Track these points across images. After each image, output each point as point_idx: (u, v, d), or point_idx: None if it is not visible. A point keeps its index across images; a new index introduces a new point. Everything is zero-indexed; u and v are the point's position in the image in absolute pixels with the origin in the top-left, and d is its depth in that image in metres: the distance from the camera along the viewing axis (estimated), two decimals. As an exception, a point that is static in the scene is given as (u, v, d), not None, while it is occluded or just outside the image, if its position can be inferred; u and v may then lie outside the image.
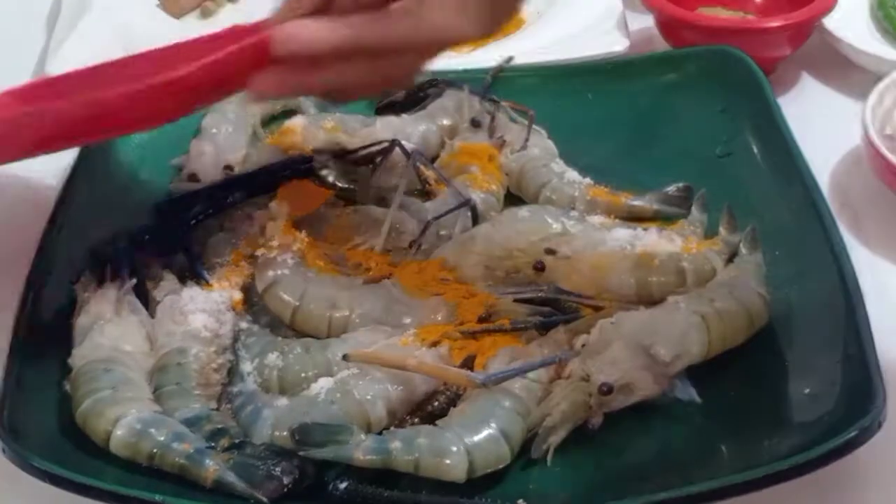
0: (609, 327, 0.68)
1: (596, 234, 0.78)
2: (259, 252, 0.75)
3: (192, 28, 1.11)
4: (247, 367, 0.69)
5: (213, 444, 0.63)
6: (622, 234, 0.78)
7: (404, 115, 0.89)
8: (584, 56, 0.98)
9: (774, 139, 0.83)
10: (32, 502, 0.66)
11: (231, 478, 0.61)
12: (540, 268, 0.74)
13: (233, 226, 0.79)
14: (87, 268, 0.74)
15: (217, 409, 0.67)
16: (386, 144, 0.83)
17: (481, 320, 0.70)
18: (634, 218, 0.82)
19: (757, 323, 0.71)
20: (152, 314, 0.72)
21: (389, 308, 0.72)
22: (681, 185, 0.83)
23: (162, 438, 0.63)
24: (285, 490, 0.61)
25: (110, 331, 0.69)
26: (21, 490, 0.66)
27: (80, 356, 0.68)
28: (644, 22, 1.03)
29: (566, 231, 0.77)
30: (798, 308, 0.72)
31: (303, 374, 0.68)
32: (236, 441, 0.63)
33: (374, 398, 0.65)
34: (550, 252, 0.75)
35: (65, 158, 0.86)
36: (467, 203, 0.79)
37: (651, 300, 0.73)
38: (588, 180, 0.84)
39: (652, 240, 0.77)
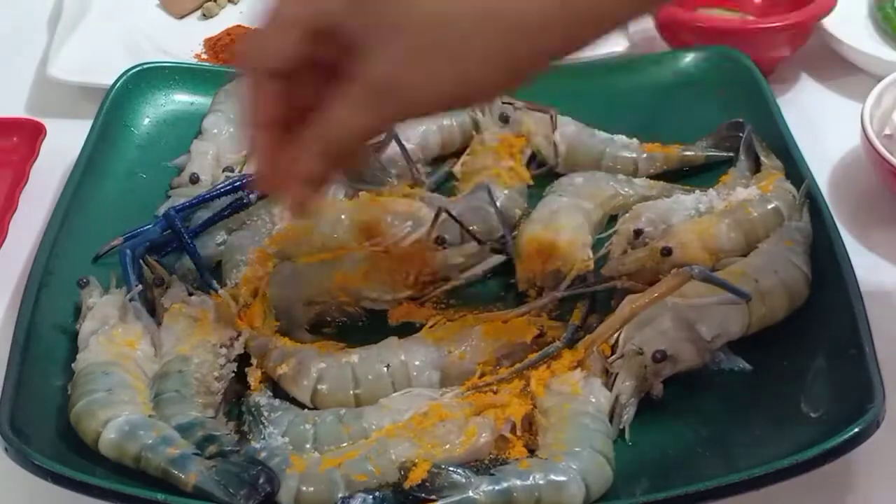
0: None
1: (663, 204, 0.80)
2: (278, 372, 0.70)
3: (193, 28, 1.11)
4: (276, 441, 0.66)
5: (198, 451, 0.62)
6: (690, 200, 0.80)
7: (404, 116, 0.89)
8: (584, 56, 0.98)
9: (774, 139, 0.83)
10: (33, 502, 0.67)
11: (210, 485, 0.61)
12: (666, 253, 0.74)
13: (254, 223, 0.80)
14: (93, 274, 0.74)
15: (213, 417, 0.67)
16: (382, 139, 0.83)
17: (536, 338, 0.70)
18: (684, 168, 0.86)
19: (797, 301, 0.72)
20: (159, 321, 0.71)
21: (411, 364, 0.69)
22: (731, 121, 0.85)
23: (149, 441, 0.62)
24: (262, 498, 0.61)
25: (114, 336, 0.69)
26: (23, 491, 0.66)
27: (82, 360, 0.68)
28: (644, 22, 1.03)
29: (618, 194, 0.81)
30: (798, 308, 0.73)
31: (338, 446, 0.65)
32: (225, 448, 0.63)
33: (409, 462, 0.63)
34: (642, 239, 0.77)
35: (65, 159, 0.87)
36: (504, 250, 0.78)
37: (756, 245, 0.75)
38: (635, 140, 0.86)
39: (731, 193, 0.80)
